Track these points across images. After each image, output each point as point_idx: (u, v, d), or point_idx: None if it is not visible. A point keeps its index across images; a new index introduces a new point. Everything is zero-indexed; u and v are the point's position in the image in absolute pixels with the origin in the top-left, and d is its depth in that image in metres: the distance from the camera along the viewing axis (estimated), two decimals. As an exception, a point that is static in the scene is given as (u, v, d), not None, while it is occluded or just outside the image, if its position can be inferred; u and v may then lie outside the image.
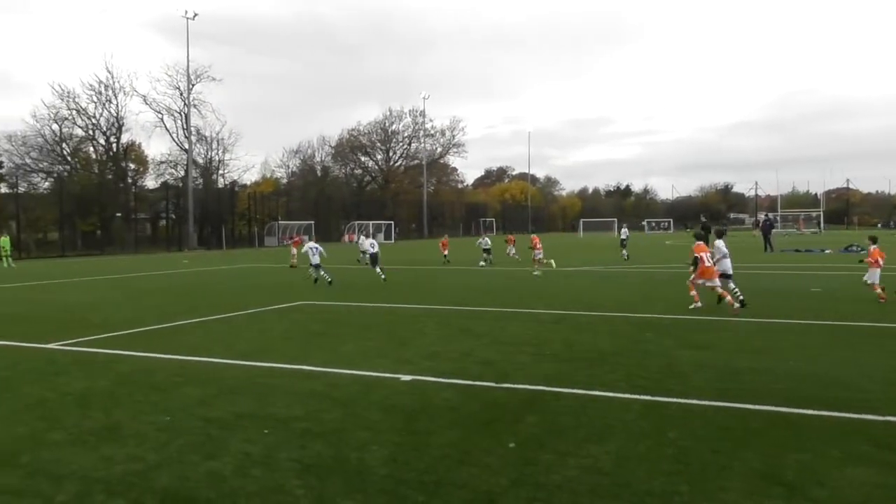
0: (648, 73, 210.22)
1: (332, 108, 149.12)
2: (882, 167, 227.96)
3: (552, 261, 24.83)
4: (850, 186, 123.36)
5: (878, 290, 13.51)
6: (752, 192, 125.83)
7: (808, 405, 6.12)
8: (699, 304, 12.77)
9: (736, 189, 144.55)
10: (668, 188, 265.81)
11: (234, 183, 73.48)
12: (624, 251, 30.75)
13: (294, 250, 27.59)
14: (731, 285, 13.03)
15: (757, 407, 6.11)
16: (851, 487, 4.30)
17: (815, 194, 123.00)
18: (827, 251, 34.98)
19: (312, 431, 5.59)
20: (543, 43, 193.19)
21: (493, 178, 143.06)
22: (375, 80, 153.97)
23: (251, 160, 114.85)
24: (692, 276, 13.09)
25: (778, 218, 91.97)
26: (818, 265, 25.11)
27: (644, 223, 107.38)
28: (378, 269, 20.47)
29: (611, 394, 6.67)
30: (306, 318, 12.67)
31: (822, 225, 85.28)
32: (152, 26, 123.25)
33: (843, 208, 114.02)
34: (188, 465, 4.85)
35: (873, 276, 13.84)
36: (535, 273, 20.17)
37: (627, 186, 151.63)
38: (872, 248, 14.15)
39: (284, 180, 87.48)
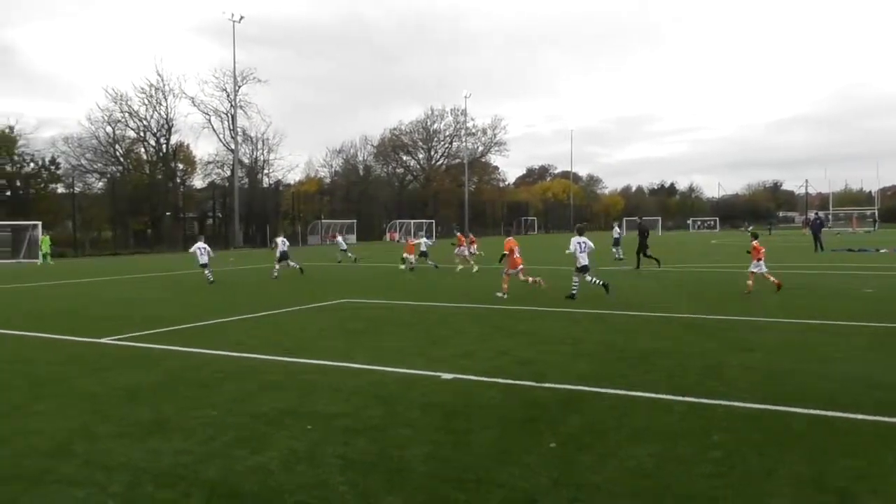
0: (691, 69, 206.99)
1: (373, 108, 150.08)
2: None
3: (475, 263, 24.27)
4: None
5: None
6: (802, 190, 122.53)
7: (857, 409, 5.94)
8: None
9: (785, 187, 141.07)
10: (714, 186, 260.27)
11: (278, 182, 74.78)
12: (616, 249, 28.80)
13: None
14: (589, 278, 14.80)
15: (803, 410, 5.96)
16: (904, 495, 4.16)
17: (870, 192, 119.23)
18: (882, 251, 33.80)
19: (355, 428, 5.67)
20: (582, 40, 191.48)
21: (534, 176, 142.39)
22: (416, 80, 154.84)
23: (295, 160, 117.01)
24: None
25: (829, 216, 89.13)
26: (872, 265, 24.30)
27: (689, 221, 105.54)
28: (291, 265, 22.45)
29: (652, 395, 6.59)
30: (347, 316, 12.82)
31: (876, 223, 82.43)
32: (200, 30, 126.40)
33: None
34: (234, 458, 4.96)
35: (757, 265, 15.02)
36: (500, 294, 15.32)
37: (672, 184, 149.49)
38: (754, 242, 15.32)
39: (328, 180, 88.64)
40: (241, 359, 8.74)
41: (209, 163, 70.00)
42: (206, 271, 20.75)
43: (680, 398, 6.43)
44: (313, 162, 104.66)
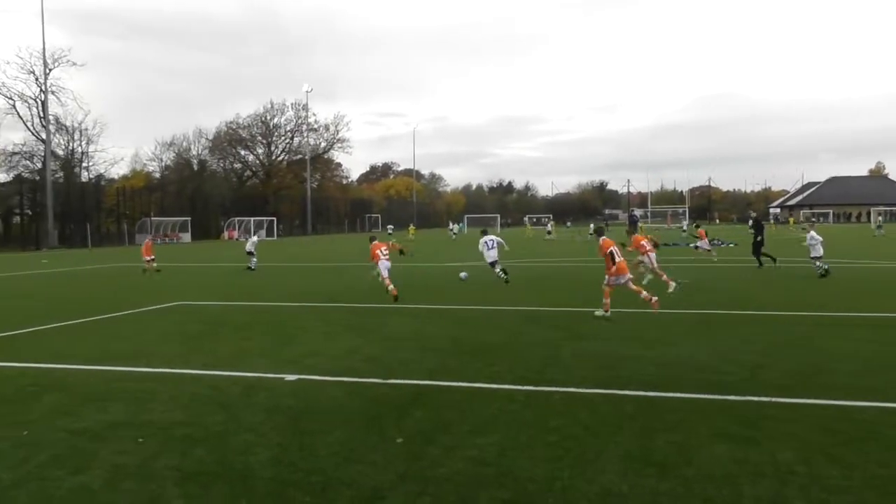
0: (540, 75, 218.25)
1: (210, 101, 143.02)
2: (740, 168, 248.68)
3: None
4: (712, 185, 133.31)
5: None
6: (625, 190, 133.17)
7: (679, 388, 6.55)
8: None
9: (610, 187, 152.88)
10: (547, 185, 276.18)
11: (100, 177, 68.66)
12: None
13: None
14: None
15: (631, 392, 6.46)
16: (717, 463, 4.63)
17: (682, 192, 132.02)
18: (692, 245, 37.52)
19: (193, 437, 5.34)
20: (429, 43, 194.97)
21: (378, 174, 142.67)
22: (258, 75, 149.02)
23: (119, 153, 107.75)
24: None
25: (648, 213, 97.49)
26: (686, 259, 26.89)
27: (525, 219, 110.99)
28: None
29: (496, 386, 6.83)
30: (184, 319, 12.07)
31: (686, 220, 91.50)
32: (3, 3, 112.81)
33: (706, 205, 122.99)
34: (51, 481, 4.48)
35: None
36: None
37: (510, 183, 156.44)
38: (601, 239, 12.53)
39: (157, 174, 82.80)
40: (59, 370, 7.93)
41: (14, 153, 62.44)
42: None
43: (521, 387, 6.72)
44: (140, 155, 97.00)
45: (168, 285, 18.77)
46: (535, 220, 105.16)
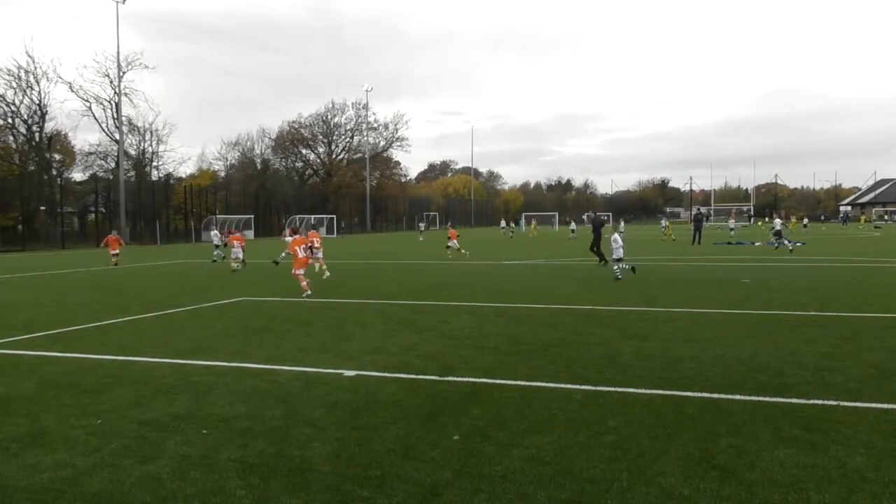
0: (602, 72, 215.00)
1: (273, 101, 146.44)
2: (810, 164, 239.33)
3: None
4: (779, 182, 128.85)
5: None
6: (688, 187, 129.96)
7: (739, 391, 6.35)
8: None
9: (672, 184, 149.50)
10: (608, 183, 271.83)
11: (168, 175, 71.28)
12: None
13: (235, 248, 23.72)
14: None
15: (691, 394, 6.29)
16: (781, 468, 4.47)
17: (746, 189, 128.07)
18: (757, 244, 36.35)
19: (254, 430, 5.47)
20: (490, 43, 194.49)
21: (436, 172, 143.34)
22: (320, 75, 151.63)
23: (187, 152, 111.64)
24: None
25: (711, 211, 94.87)
26: (749, 257, 26.07)
27: (585, 216, 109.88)
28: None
29: (553, 384, 6.76)
30: (246, 314, 12.40)
31: (752, 219, 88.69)
32: (80, 11, 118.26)
33: (772, 202, 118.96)
34: (122, 469, 4.67)
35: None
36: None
37: (569, 181, 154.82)
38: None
39: (223, 173, 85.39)
40: (129, 363, 8.26)
41: (90, 154, 65.53)
42: None
43: (579, 387, 6.64)
44: (207, 154, 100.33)
45: (231, 281, 19.32)
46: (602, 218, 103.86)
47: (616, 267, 17.46)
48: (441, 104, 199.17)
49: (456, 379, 7.08)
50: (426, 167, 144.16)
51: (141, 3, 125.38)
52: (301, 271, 15.34)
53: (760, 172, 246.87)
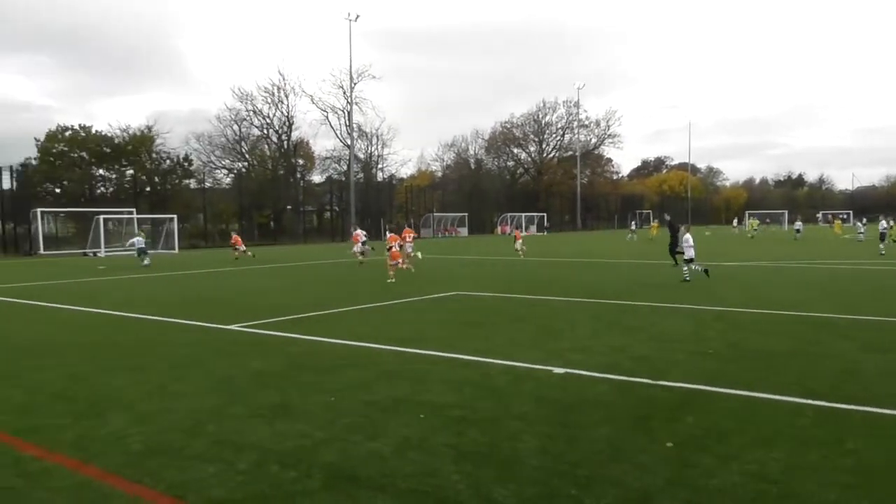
0: (840, 58, 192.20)
1: (486, 103, 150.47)
2: None
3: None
4: None
5: None
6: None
7: None
8: None
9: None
10: (847, 178, 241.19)
11: (391, 177, 76.77)
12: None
13: (356, 247, 26.11)
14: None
15: (956, 421, 5.44)
16: None
17: None
18: None
19: (467, 419, 5.74)
20: (698, 35, 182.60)
21: (650, 168, 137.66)
22: (533, 74, 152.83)
23: (408, 154, 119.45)
24: None
25: None
26: None
27: (819, 215, 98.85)
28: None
29: (779, 397, 6.23)
30: (461, 308, 12.96)
31: None
32: (318, 28, 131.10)
33: None
34: (351, 443, 5.16)
35: None
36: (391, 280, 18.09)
37: (800, 175, 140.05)
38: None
39: (439, 174, 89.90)
40: (357, 347, 9.05)
41: (326, 158, 73.12)
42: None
43: (810, 402, 6.04)
44: (425, 156, 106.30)
45: (446, 276, 20.28)
46: (830, 216, 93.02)
47: (686, 268, 17.30)
48: (656, 99, 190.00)
49: (668, 383, 6.80)
50: (639, 164, 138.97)
51: (372, 19, 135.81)
52: (394, 262, 18.72)
53: None
